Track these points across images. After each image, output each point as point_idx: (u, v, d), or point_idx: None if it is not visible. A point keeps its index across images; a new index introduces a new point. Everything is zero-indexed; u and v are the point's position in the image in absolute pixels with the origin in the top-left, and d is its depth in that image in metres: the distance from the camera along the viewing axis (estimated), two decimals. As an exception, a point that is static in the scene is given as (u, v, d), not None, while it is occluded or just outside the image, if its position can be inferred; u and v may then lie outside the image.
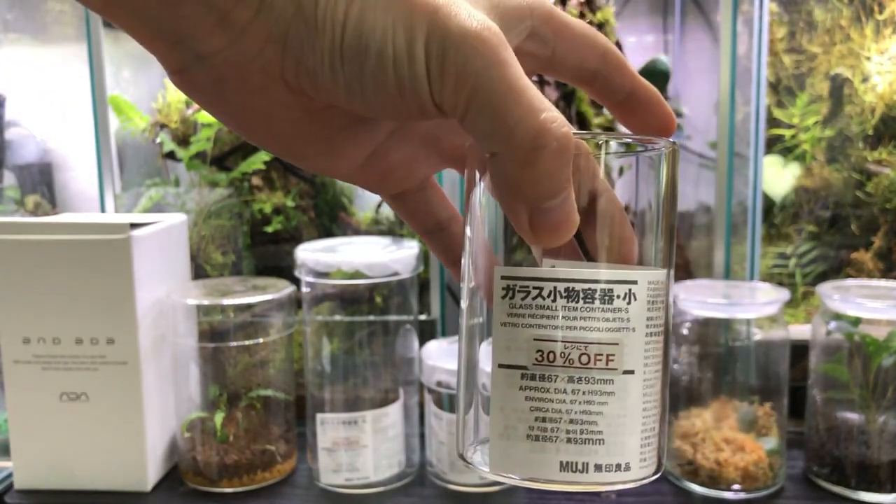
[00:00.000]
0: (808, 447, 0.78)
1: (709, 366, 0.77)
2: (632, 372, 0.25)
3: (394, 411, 0.78)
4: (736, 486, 0.73)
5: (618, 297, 0.24)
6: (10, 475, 0.79)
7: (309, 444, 0.80)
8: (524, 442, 0.25)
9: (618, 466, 0.25)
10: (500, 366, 0.25)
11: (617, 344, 0.24)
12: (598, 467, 0.25)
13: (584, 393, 0.24)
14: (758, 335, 0.77)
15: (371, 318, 0.79)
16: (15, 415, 0.77)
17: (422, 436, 0.81)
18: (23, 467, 0.77)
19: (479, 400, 0.27)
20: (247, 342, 0.79)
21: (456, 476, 0.75)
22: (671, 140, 0.27)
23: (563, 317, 0.24)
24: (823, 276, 0.93)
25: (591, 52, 0.28)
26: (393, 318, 0.80)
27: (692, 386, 0.78)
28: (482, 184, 0.26)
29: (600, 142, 0.26)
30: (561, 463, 0.24)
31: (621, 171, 0.28)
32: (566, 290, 0.24)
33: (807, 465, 0.78)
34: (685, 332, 0.77)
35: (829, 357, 0.76)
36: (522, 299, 0.25)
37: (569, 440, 0.24)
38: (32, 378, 0.75)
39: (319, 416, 0.77)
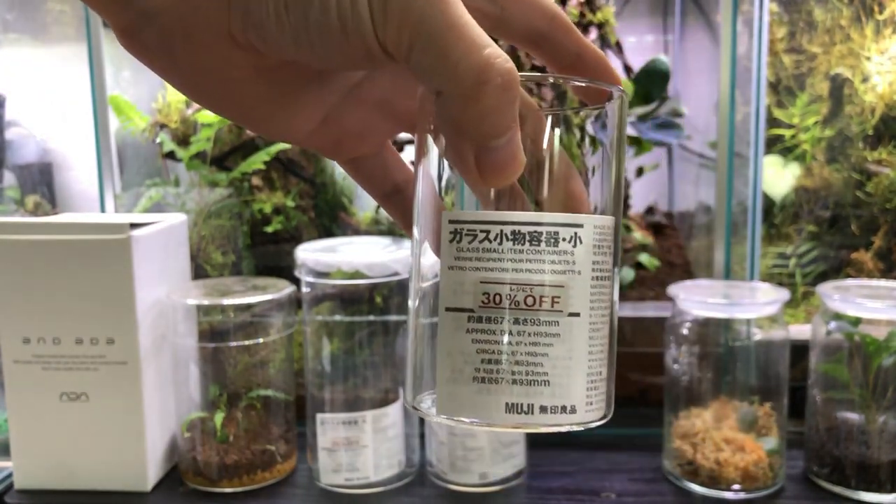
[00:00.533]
0: (808, 447, 0.78)
1: (709, 366, 0.77)
2: (577, 314, 0.25)
3: (394, 411, 0.78)
4: (736, 486, 0.73)
5: (563, 239, 0.25)
6: (10, 475, 0.79)
7: (309, 444, 0.80)
8: (471, 384, 0.25)
9: (563, 409, 0.25)
10: (448, 309, 0.25)
11: (563, 286, 0.25)
12: (543, 409, 0.25)
13: (529, 335, 0.24)
14: (758, 335, 0.77)
15: (371, 318, 0.79)
16: (15, 415, 0.77)
17: (422, 436, 0.81)
18: (23, 467, 0.77)
19: (428, 349, 0.27)
20: (247, 342, 0.79)
21: (456, 476, 0.75)
22: (620, 88, 0.27)
23: (509, 259, 0.24)
24: (823, 276, 0.93)
25: (541, 14, 0.28)
26: (393, 318, 0.80)
27: (692, 386, 0.78)
28: (429, 137, 0.27)
29: (550, 82, 0.26)
30: (507, 404, 0.25)
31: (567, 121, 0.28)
32: (512, 232, 0.24)
33: (807, 465, 0.78)
34: (685, 332, 0.77)
35: (829, 357, 0.76)
36: (469, 243, 0.25)
37: (514, 381, 0.25)
38: (32, 378, 0.75)
39: (319, 416, 0.77)
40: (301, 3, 0.23)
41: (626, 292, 0.95)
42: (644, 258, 1.00)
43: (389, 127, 0.31)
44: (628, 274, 0.96)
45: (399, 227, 0.32)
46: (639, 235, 1.03)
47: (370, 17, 0.22)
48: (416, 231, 0.28)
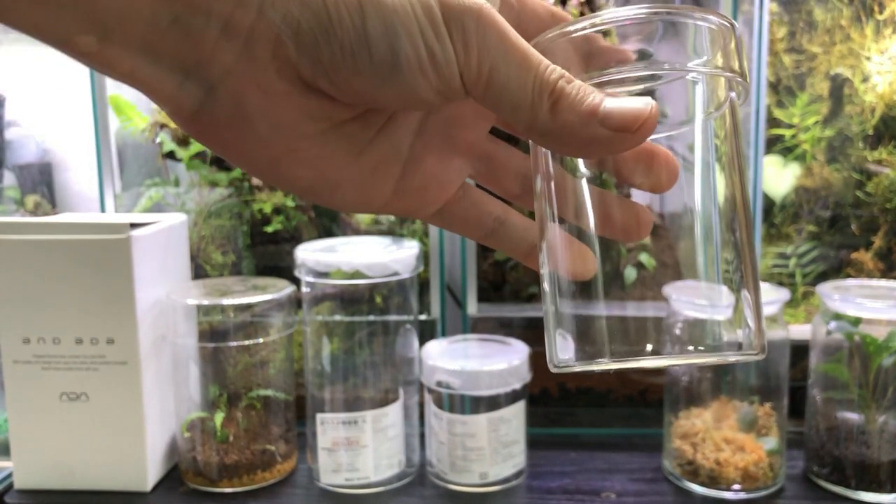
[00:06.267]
0: (808, 447, 0.77)
1: (709, 366, 0.77)
2: None
3: (394, 411, 0.78)
4: (736, 486, 0.73)
5: None
6: (10, 475, 0.79)
7: (309, 444, 0.80)
8: None
9: None
10: None
11: None
12: None
13: None
14: (758, 335, 0.77)
15: (371, 318, 0.79)
16: (15, 415, 0.77)
17: (422, 436, 0.81)
18: (23, 467, 0.77)
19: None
20: (247, 342, 0.79)
21: (456, 476, 0.75)
22: (725, 17, 0.26)
23: None
24: (823, 276, 0.93)
25: (546, 13, 0.29)
26: (393, 318, 0.80)
27: (692, 386, 0.78)
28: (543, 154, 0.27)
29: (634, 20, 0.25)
30: None
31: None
32: None
33: (807, 465, 0.78)
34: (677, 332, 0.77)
35: (829, 357, 0.76)
36: None
37: None
38: (32, 378, 0.75)
39: (319, 416, 0.77)
40: (385, 39, 0.23)
41: (629, 292, 0.95)
42: (644, 258, 1.00)
43: (461, 163, 0.30)
44: (630, 273, 0.96)
45: (516, 258, 0.32)
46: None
47: (453, 51, 0.23)
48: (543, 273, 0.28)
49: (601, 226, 0.26)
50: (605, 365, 0.26)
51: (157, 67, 0.23)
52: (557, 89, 0.24)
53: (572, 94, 0.24)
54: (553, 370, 0.27)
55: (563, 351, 0.27)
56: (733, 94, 0.26)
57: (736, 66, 0.26)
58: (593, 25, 0.25)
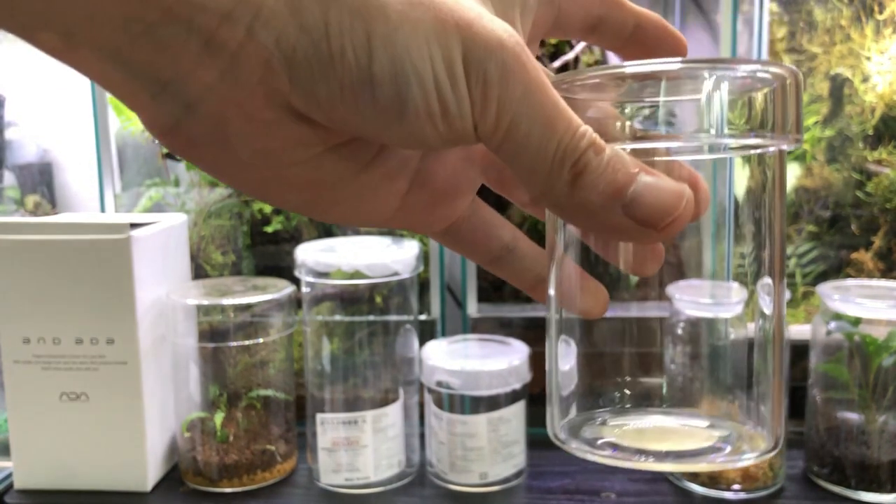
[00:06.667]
0: (808, 447, 0.78)
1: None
2: None
3: (394, 411, 0.78)
4: (736, 486, 0.73)
5: None
6: (10, 475, 0.79)
7: (309, 444, 0.80)
8: None
9: None
10: None
11: None
12: None
13: None
14: (758, 335, 0.77)
15: (371, 318, 0.79)
16: (15, 415, 0.77)
17: (422, 436, 0.81)
18: (23, 467, 0.77)
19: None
20: (247, 342, 0.79)
21: (456, 476, 0.75)
22: (790, 67, 0.23)
23: None
24: (823, 276, 0.93)
25: (600, 5, 0.26)
26: (393, 318, 0.80)
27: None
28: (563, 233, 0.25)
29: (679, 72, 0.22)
30: None
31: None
32: None
33: (807, 465, 0.78)
34: (681, 332, 0.77)
35: (829, 357, 0.76)
36: None
37: None
38: (32, 378, 0.75)
39: (319, 416, 0.77)
40: (393, 82, 0.20)
41: (633, 291, 0.95)
42: None
43: (474, 173, 0.27)
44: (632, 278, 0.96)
45: (521, 289, 0.29)
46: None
47: (469, 99, 0.21)
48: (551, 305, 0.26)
49: (613, 255, 0.24)
50: (607, 459, 0.24)
51: (129, 76, 0.20)
52: (583, 161, 0.21)
53: (599, 170, 0.21)
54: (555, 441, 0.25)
55: (563, 428, 0.25)
56: (784, 147, 0.23)
57: (792, 124, 0.23)
58: (637, 74, 0.22)
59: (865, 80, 0.91)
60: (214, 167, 0.22)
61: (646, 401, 0.24)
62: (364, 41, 0.20)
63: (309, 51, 0.20)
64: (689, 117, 0.22)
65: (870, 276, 0.91)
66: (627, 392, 0.24)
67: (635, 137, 0.23)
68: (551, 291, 0.25)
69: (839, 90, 0.93)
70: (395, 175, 0.25)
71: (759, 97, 0.22)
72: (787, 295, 0.77)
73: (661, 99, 0.23)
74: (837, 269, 0.94)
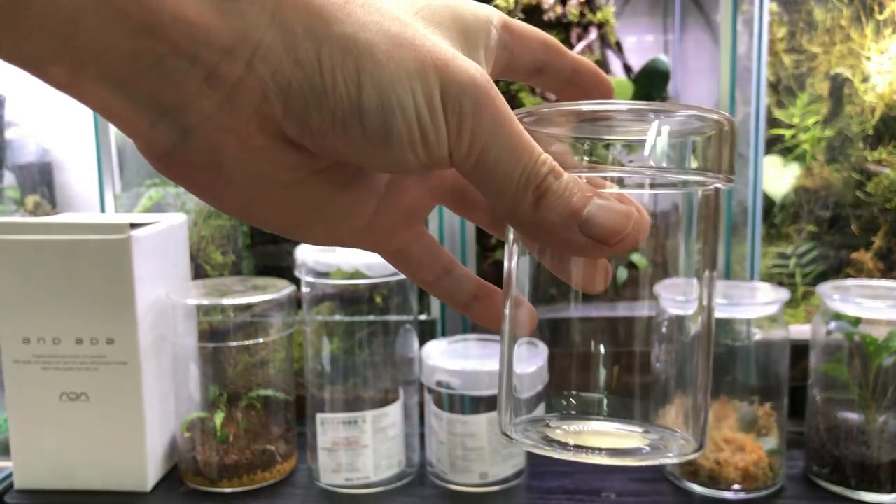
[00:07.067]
0: (808, 447, 0.78)
1: (709, 366, 0.77)
2: None
3: (394, 411, 0.78)
4: (736, 486, 0.73)
5: None
6: (10, 475, 0.79)
7: (309, 444, 0.80)
8: None
9: None
10: None
11: None
12: None
13: None
14: (758, 335, 0.77)
15: (371, 318, 0.79)
16: (15, 415, 0.77)
17: (422, 436, 0.81)
18: (23, 467, 0.77)
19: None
20: (247, 342, 0.79)
21: (456, 476, 0.75)
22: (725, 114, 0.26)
23: None
24: (823, 276, 0.93)
25: (538, 44, 0.29)
26: (393, 318, 0.80)
27: (692, 386, 0.78)
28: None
29: (650, 117, 0.25)
30: None
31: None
32: None
33: (807, 465, 0.78)
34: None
35: (829, 357, 0.76)
36: None
37: None
38: (32, 378, 0.75)
39: (319, 416, 0.77)
40: (381, 113, 0.22)
41: (620, 291, 0.95)
42: (635, 257, 1.00)
43: (429, 202, 0.31)
44: (621, 273, 0.96)
45: (454, 307, 0.33)
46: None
47: (446, 129, 0.23)
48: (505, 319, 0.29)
49: (563, 274, 0.27)
50: (549, 451, 0.27)
51: (131, 104, 0.22)
52: (545, 185, 0.24)
53: (558, 193, 0.24)
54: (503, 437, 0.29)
55: (510, 425, 0.28)
56: (720, 185, 0.27)
57: (726, 166, 0.26)
58: (592, 113, 0.26)
59: (865, 80, 0.91)
60: (205, 190, 0.24)
61: (588, 409, 0.27)
62: (354, 76, 0.22)
63: (304, 84, 0.22)
64: (637, 153, 0.26)
65: (870, 276, 0.91)
66: (573, 401, 0.27)
67: (589, 167, 0.26)
68: (506, 309, 0.29)
69: (839, 90, 0.93)
70: (365, 199, 0.28)
71: (698, 140, 0.26)
72: (787, 295, 0.76)
73: (612, 138, 0.26)
74: (837, 269, 0.94)
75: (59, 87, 0.21)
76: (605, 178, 0.26)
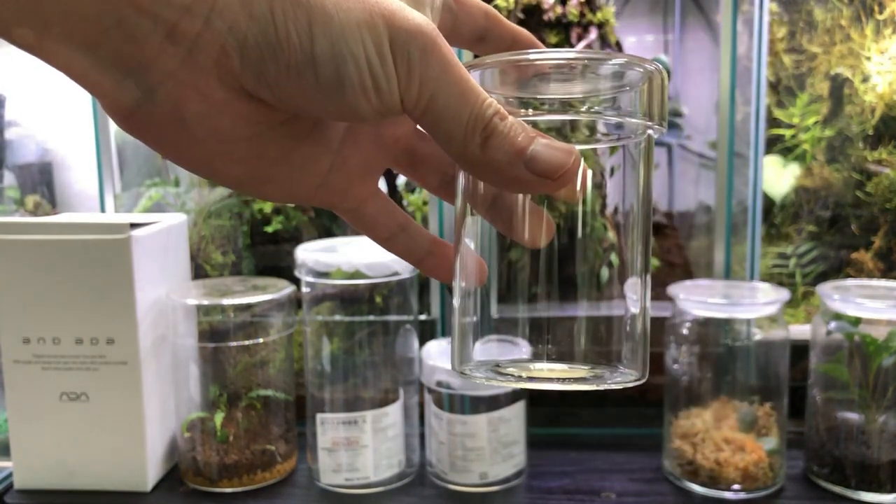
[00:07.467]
0: (808, 447, 0.78)
1: (709, 366, 0.77)
2: None
3: (394, 411, 0.78)
4: (736, 486, 0.73)
5: None
6: (10, 475, 0.79)
7: (309, 444, 0.80)
8: None
9: None
10: None
11: None
12: None
13: None
14: (758, 335, 0.77)
15: (371, 318, 0.79)
16: (15, 415, 0.77)
17: (422, 436, 0.81)
18: (23, 467, 0.77)
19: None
20: (247, 342, 0.79)
21: (456, 476, 0.75)
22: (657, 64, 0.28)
23: None
24: (823, 276, 0.93)
25: (480, 12, 0.31)
26: (393, 318, 0.80)
27: (692, 386, 0.78)
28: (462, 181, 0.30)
29: (579, 63, 0.27)
30: None
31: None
32: None
33: (807, 465, 0.78)
34: (685, 332, 0.77)
35: (829, 357, 0.76)
36: None
37: None
38: (32, 378, 0.75)
39: (319, 416, 0.77)
40: (333, 62, 0.23)
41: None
42: (613, 258, 1.00)
43: (382, 160, 0.32)
44: (603, 273, 0.96)
45: (409, 262, 0.34)
46: (611, 235, 1.03)
47: (396, 76, 0.24)
48: (455, 284, 0.30)
49: (510, 231, 0.29)
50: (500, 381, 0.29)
51: (96, 64, 0.23)
52: (490, 126, 0.25)
53: (503, 133, 0.25)
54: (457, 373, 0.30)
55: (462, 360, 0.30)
56: (651, 132, 0.29)
57: (656, 112, 0.28)
58: (528, 60, 0.27)
59: (865, 80, 0.91)
60: (169, 147, 0.25)
61: (537, 353, 0.29)
62: (306, 27, 0.23)
63: (258, 36, 0.23)
64: (576, 99, 0.28)
65: (870, 276, 0.91)
66: (521, 346, 0.29)
67: (532, 113, 0.28)
68: (457, 263, 0.30)
69: (839, 90, 0.93)
70: (320, 156, 0.29)
71: (632, 86, 0.28)
72: (787, 295, 0.76)
73: (550, 96, 0.28)
74: (837, 269, 0.94)
75: (25, 49, 0.22)
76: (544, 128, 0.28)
